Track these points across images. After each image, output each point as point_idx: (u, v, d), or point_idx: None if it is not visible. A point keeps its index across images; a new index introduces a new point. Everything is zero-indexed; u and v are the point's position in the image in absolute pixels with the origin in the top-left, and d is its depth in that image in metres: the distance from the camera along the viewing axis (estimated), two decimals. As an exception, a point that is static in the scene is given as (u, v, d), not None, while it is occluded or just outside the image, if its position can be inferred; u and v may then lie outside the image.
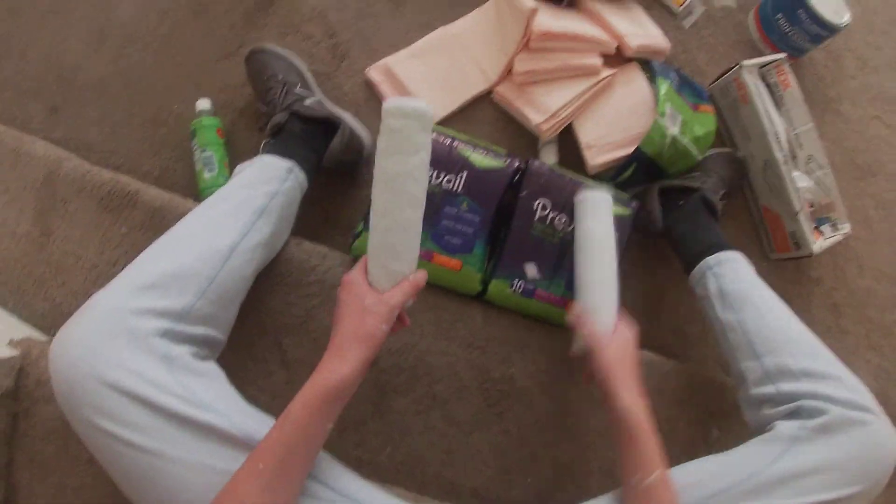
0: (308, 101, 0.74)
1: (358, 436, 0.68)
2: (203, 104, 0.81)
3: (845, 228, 0.89)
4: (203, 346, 0.55)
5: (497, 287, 0.68)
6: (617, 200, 0.72)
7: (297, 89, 0.76)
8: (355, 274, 0.53)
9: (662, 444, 0.54)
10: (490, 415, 0.69)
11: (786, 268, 0.92)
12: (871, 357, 0.97)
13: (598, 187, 0.68)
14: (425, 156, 0.52)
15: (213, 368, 0.54)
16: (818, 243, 0.85)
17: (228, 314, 0.59)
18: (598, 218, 0.66)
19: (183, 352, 0.50)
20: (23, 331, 0.69)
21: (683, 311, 0.85)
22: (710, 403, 0.77)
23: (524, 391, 0.69)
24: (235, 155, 0.80)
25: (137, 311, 0.49)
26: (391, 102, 0.51)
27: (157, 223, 0.72)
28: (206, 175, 0.78)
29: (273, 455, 0.45)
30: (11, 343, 0.63)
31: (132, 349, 0.47)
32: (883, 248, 1.01)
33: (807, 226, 0.84)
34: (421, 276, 0.54)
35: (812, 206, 0.88)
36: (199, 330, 0.53)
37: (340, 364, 0.48)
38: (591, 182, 0.71)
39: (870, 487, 0.53)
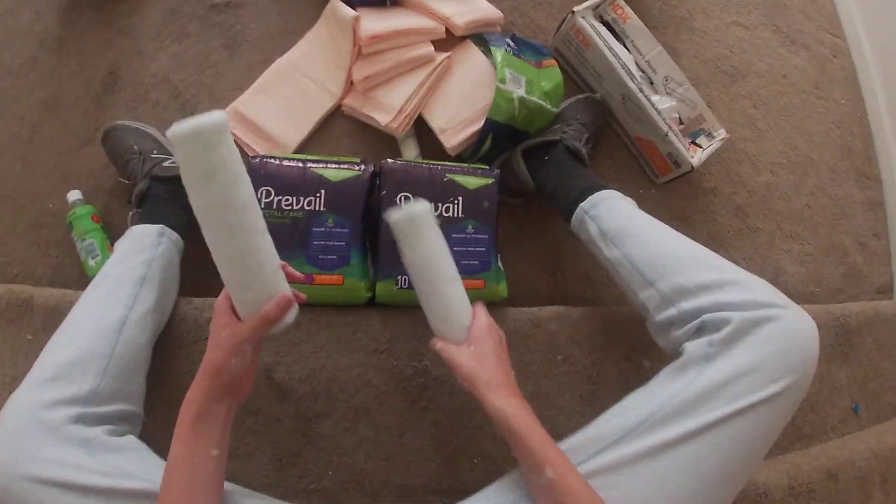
0: (166, 163, 0.76)
1: (297, 469, 0.68)
2: (73, 195, 0.82)
3: (721, 134, 0.92)
4: (119, 421, 0.57)
5: (383, 288, 0.70)
6: (478, 173, 0.74)
7: (154, 154, 0.77)
8: (220, 301, 0.53)
9: (550, 432, 0.52)
10: (416, 411, 0.70)
11: (678, 189, 0.94)
12: (791, 245, 1.00)
13: (407, 205, 0.58)
14: (227, 176, 0.46)
15: (131, 441, 0.56)
16: (697, 156, 0.88)
17: (135, 386, 0.61)
18: (413, 241, 0.58)
19: (98, 432, 0.53)
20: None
21: (584, 259, 0.86)
22: (633, 338, 0.78)
23: (441, 379, 0.71)
24: (116, 235, 0.80)
25: (47, 405, 0.52)
26: (170, 132, 0.44)
27: (57, 321, 0.71)
28: (91, 262, 0.79)
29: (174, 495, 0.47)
30: None
31: (50, 441, 0.51)
32: (772, 141, 1.03)
33: (680, 143, 0.86)
34: (273, 307, 0.51)
35: (682, 122, 0.91)
36: (110, 407, 0.56)
37: (191, 392, 0.50)
38: (452, 162, 0.73)
39: (799, 378, 0.52)
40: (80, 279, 0.82)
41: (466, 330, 0.58)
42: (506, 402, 0.52)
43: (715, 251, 0.63)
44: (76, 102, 0.90)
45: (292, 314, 0.53)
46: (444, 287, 0.58)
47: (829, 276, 1.00)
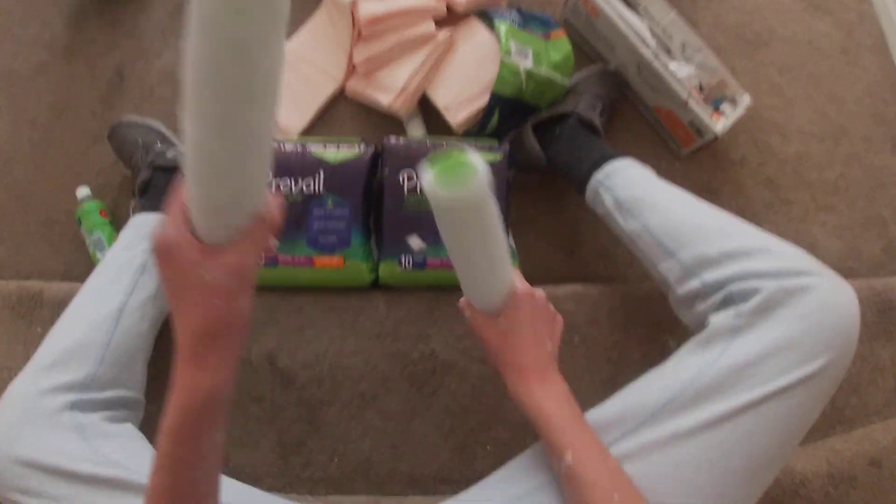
0: (169, 154, 0.76)
1: (301, 457, 0.67)
2: (81, 192, 0.84)
3: (745, 101, 0.86)
4: (117, 408, 0.57)
5: (387, 269, 0.67)
6: (485, 149, 0.70)
7: (158, 146, 0.77)
8: (172, 232, 0.35)
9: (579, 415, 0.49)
10: (423, 397, 0.67)
11: (703, 161, 0.90)
12: (826, 218, 0.94)
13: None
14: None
15: (127, 429, 0.56)
16: (721, 123, 0.83)
17: (134, 373, 0.62)
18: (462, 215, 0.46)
19: (95, 419, 0.54)
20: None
21: (603, 235, 0.82)
22: (657, 316, 0.74)
23: (450, 363, 0.68)
24: (125, 228, 0.82)
25: (45, 392, 0.53)
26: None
27: (66, 314, 0.74)
28: (100, 256, 0.80)
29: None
30: None
31: (45, 427, 0.51)
32: (801, 109, 0.97)
33: (702, 110, 0.82)
34: (275, 207, 0.37)
35: (702, 89, 0.86)
36: (108, 394, 0.57)
37: (200, 375, 0.35)
38: (457, 141, 0.70)
39: (837, 356, 0.46)
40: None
41: (502, 300, 0.50)
42: (525, 390, 0.49)
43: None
44: (84, 103, 0.92)
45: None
46: (480, 252, 0.48)
47: (868, 249, 0.93)
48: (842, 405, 0.80)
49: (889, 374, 0.83)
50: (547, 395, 0.49)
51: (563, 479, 0.47)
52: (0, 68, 0.96)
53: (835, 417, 0.79)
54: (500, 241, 0.48)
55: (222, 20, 0.29)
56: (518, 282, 0.52)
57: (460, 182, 0.41)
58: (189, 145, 0.33)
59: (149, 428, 0.57)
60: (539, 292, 0.53)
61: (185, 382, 0.36)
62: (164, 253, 0.35)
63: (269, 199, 0.37)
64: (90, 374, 0.56)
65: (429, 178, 0.42)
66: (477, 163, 0.41)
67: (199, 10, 0.29)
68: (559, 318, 0.55)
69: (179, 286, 0.35)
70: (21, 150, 0.92)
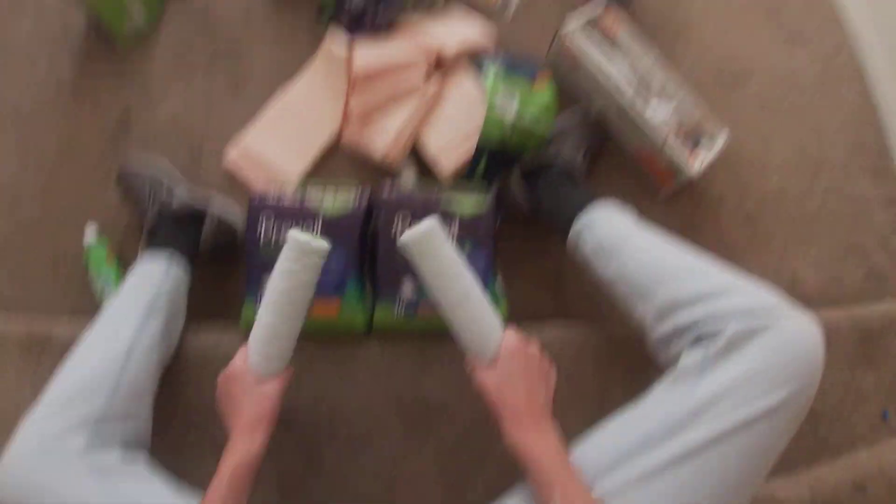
0: (175, 198, 0.79)
1: (301, 498, 0.69)
2: (89, 233, 0.86)
3: (722, 137, 0.89)
4: (132, 443, 0.59)
5: (381, 315, 0.71)
6: (471, 198, 0.74)
7: (165, 189, 0.81)
8: (239, 366, 0.59)
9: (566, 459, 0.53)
10: (417, 438, 0.70)
11: (683, 200, 0.92)
12: (807, 250, 0.96)
13: (415, 226, 0.58)
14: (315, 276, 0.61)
15: (140, 470, 0.58)
16: (697, 164, 0.86)
17: (144, 409, 0.64)
18: (428, 257, 0.58)
19: (113, 459, 0.55)
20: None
21: (587, 278, 0.85)
22: (640, 355, 0.74)
23: (441, 407, 0.71)
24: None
25: (60, 433, 0.54)
26: (293, 237, 0.58)
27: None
28: (107, 296, 0.82)
29: None
30: None
31: (64, 475, 0.53)
32: (781, 144, 1.00)
33: (678, 152, 0.85)
34: (291, 370, 0.63)
35: (681, 126, 0.89)
36: (123, 427, 0.59)
37: (251, 443, 0.56)
38: (447, 189, 0.73)
39: (800, 388, 0.50)
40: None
41: (493, 347, 0.56)
42: (519, 437, 0.53)
43: (726, 262, 0.60)
44: (92, 144, 0.94)
45: None
46: (462, 306, 0.57)
47: (849, 277, 0.96)
48: (826, 434, 0.82)
49: (873, 401, 0.85)
50: (539, 443, 0.52)
51: None
52: (8, 107, 0.98)
53: (819, 446, 0.81)
54: (470, 281, 0.59)
55: (296, 268, 0.59)
56: (511, 334, 0.57)
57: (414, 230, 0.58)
58: (261, 324, 0.60)
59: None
60: (533, 345, 0.57)
61: (239, 448, 0.56)
62: (233, 377, 0.60)
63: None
64: (104, 404, 0.57)
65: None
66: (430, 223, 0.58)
67: (282, 261, 0.60)
68: (553, 369, 0.59)
69: (241, 393, 0.58)
70: (28, 189, 0.94)
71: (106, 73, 0.99)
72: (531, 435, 0.53)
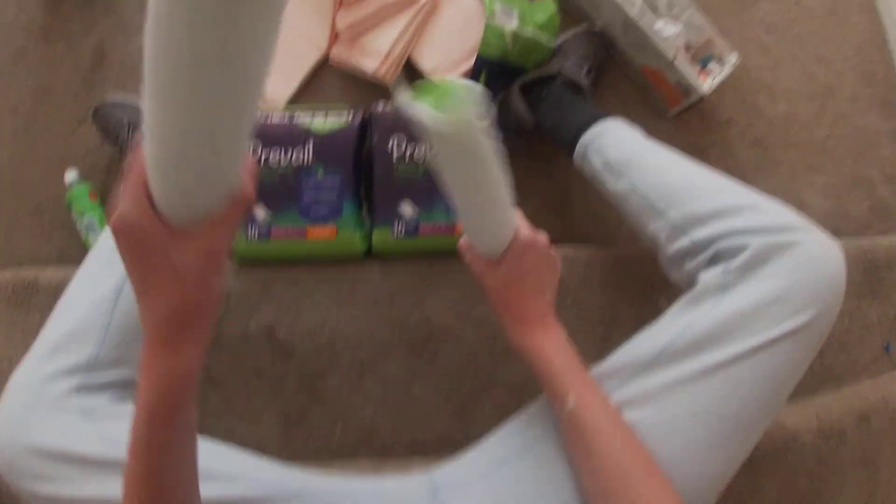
0: None
1: (304, 429, 0.68)
2: (70, 175, 0.83)
3: (733, 59, 0.86)
4: (122, 388, 0.57)
5: (380, 238, 0.67)
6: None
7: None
8: (134, 213, 0.31)
9: (580, 361, 0.50)
10: (421, 363, 0.68)
11: (691, 121, 0.90)
12: (814, 178, 0.94)
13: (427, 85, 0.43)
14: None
15: (129, 409, 0.54)
16: (708, 83, 0.83)
17: (135, 352, 0.60)
18: (452, 143, 0.43)
19: (101, 400, 0.54)
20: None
21: (594, 197, 0.82)
22: (648, 277, 0.74)
23: (446, 329, 0.68)
24: (115, 209, 0.81)
25: (48, 377, 0.53)
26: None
27: (63, 300, 0.74)
28: (92, 238, 0.80)
29: (143, 488, 0.38)
30: None
31: (52, 413, 0.51)
32: (788, 69, 0.97)
33: (688, 70, 0.81)
34: (250, 184, 0.33)
35: (689, 48, 0.85)
36: (112, 374, 0.56)
37: (173, 359, 0.34)
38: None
39: (824, 309, 0.47)
40: (85, 258, 0.82)
41: (504, 243, 0.49)
42: (526, 336, 0.50)
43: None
44: (66, 86, 0.91)
45: None
46: (485, 189, 0.46)
47: (855, 209, 0.94)
48: (830, 363, 0.81)
49: (876, 332, 0.84)
50: (547, 342, 0.50)
51: (564, 425, 0.48)
52: (-22, 55, 0.94)
53: (824, 375, 0.80)
54: (499, 177, 0.46)
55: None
56: (521, 226, 0.51)
57: (455, 107, 0.39)
58: (150, 116, 0.28)
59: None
60: (542, 237, 0.52)
61: (157, 367, 0.34)
62: (125, 235, 0.32)
63: (244, 175, 0.32)
64: (93, 355, 0.55)
65: (422, 107, 0.39)
66: (469, 87, 0.39)
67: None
68: (558, 262, 0.55)
69: (145, 271, 0.33)
70: (5, 138, 0.91)
71: (76, 12, 0.94)
72: (539, 336, 0.50)
